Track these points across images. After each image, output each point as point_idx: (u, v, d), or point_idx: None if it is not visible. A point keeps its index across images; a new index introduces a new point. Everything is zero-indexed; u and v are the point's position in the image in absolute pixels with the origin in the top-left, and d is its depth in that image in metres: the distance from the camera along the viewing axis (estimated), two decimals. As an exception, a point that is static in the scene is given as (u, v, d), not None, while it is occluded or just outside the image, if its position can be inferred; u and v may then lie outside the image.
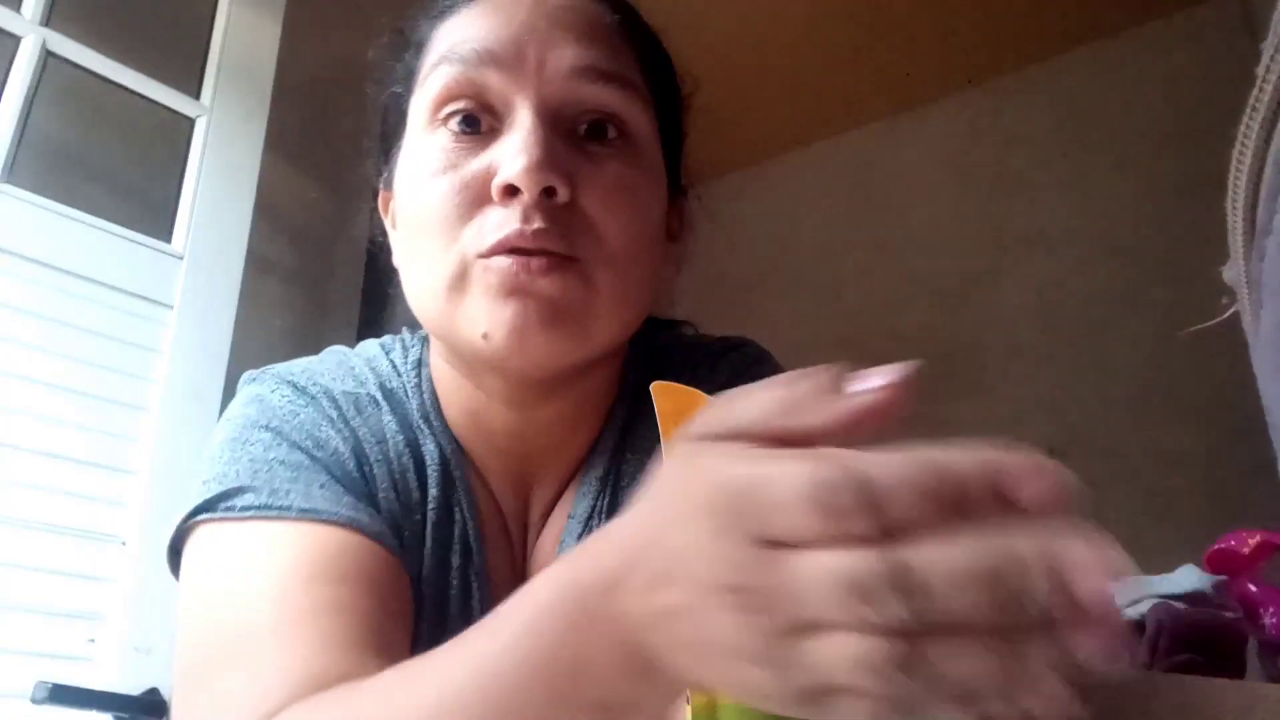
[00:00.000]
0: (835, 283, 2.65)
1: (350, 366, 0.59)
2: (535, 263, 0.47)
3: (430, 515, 0.55)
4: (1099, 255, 2.23)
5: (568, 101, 0.51)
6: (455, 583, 0.55)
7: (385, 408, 0.57)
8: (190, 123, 1.56)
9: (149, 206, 1.50)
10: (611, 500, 0.57)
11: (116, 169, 1.50)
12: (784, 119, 2.71)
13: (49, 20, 1.42)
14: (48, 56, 1.41)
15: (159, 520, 1.31)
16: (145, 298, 1.41)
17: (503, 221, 0.48)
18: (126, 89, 1.50)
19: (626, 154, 0.52)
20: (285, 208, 1.72)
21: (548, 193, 0.48)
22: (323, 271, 1.80)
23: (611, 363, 0.58)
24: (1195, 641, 0.88)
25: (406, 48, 0.59)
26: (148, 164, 1.54)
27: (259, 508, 0.48)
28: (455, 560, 0.55)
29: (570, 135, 0.51)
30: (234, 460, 0.51)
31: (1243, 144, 0.19)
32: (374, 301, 1.93)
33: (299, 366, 0.58)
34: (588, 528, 0.56)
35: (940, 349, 2.41)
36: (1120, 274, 2.19)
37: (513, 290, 0.47)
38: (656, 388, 0.36)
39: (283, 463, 0.50)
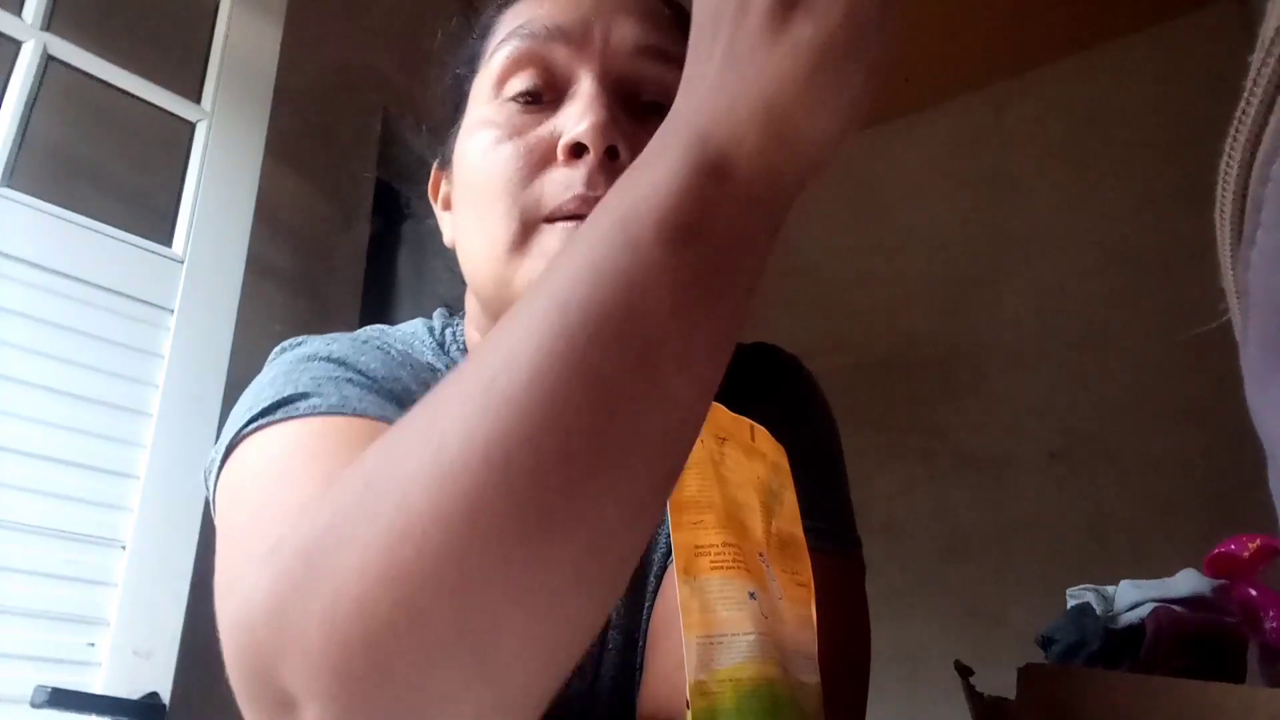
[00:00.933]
0: (835, 286, 2.66)
1: (388, 341, 0.58)
2: None
3: None
4: (1098, 259, 2.24)
5: (630, 77, 0.52)
6: None
7: (442, 371, 0.56)
8: (191, 127, 1.56)
9: (149, 211, 1.50)
10: None
11: (117, 173, 1.50)
12: (783, 123, 2.71)
13: (50, 25, 1.43)
14: (48, 61, 1.41)
15: (159, 524, 1.32)
16: (146, 302, 1.41)
17: (567, 183, 0.49)
18: (127, 93, 1.50)
19: None
20: (286, 212, 1.72)
21: (611, 154, 0.49)
22: (323, 275, 1.80)
23: None
24: (1196, 645, 0.88)
25: (471, 32, 0.61)
26: (148, 168, 1.54)
27: (327, 410, 0.45)
28: None
29: (629, 108, 0.52)
30: (289, 382, 0.47)
31: (1229, 157, 0.19)
32: (374, 305, 1.93)
33: (338, 336, 0.57)
34: None
35: (940, 352, 2.42)
36: (1119, 278, 2.19)
37: None
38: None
39: (350, 380, 0.48)
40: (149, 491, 1.34)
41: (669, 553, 0.54)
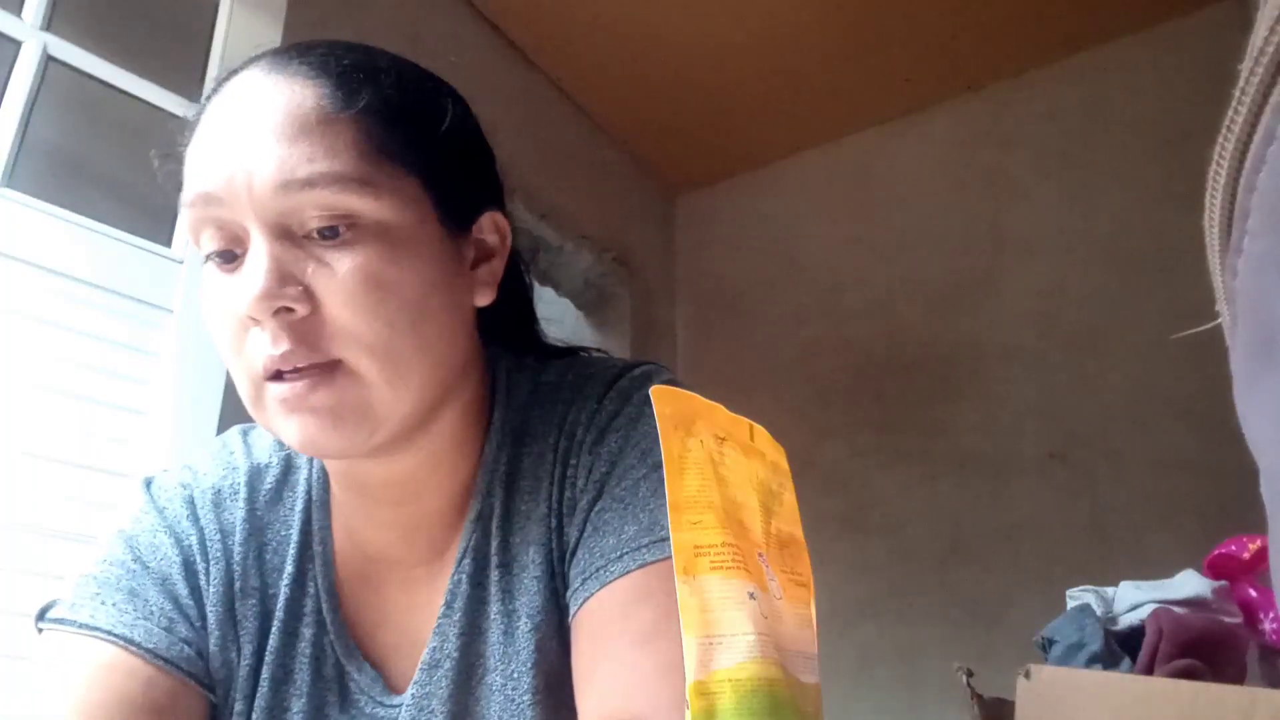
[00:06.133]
0: (835, 286, 2.66)
1: (230, 452, 0.65)
2: (300, 385, 0.50)
3: (284, 591, 0.60)
4: (1097, 259, 2.24)
5: (285, 214, 0.51)
6: (306, 651, 0.59)
7: (243, 496, 0.62)
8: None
9: (149, 211, 1.50)
10: (502, 540, 0.59)
11: (117, 173, 1.50)
12: (784, 124, 2.72)
13: (50, 25, 1.43)
14: (49, 61, 1.41)
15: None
16: (145, 302, 1.41)
17: (260, 345, 0.51)
18: (128, 93, 1.50)
19: (362, 241, 0.51)
20: (285, 212, 1.72)
21: (289, 310, 0.50)
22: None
23: (455, 403, 0.59)
24: (1196, 646, 0.88)
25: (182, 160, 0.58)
26: (148, 168, 1.54)
27: (56, 620, 0.56)
28: (307, 631, 0.60)
29: (306, 241, 0.51)
30: (76, 572, 0.59)
31: (1217, 166, 0.19)
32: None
33: (182, 466, 0.64)
34: (459, 567, 0.59)
35: (939, 353, 2.42)
36: (1118, 278, 2.19)
37: (292, 408, 0.51)
38: (656, 392, 0.36)
39: (95, 578, 0.57)
40: (149, 491, 1.34)
41: (541, 607, 0.57)
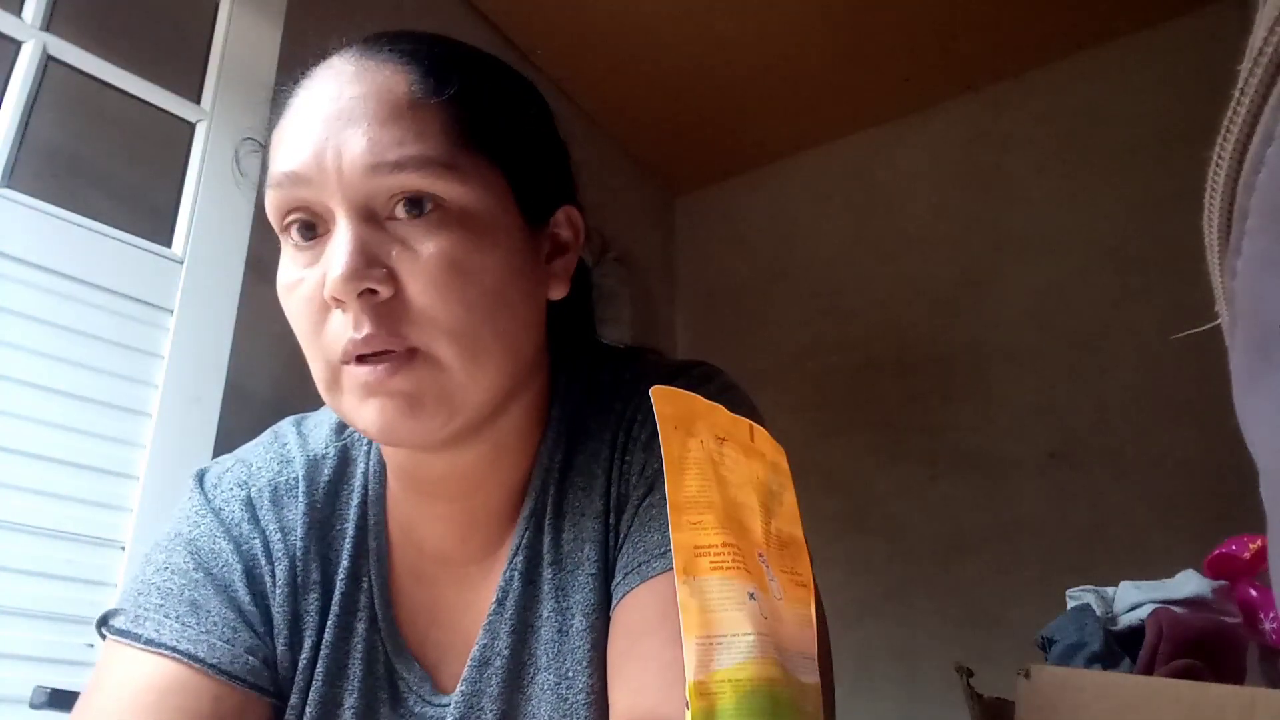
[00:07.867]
0: (835, 287, 2.66)
1: (285, 444, 0.64)
2: (381, 369, 0.50)
3: (340, 585, 0.60)
4: (1098, 259, 2.24)
5: (373, 195, 0.51)
6: (360, 647, 0.60)
7: (302, 490, 0.62)
8: (190, 127, 1.56)
9: (149, 211, 1.50)
10: (554, 538, 0.59)
11: (117, 173, 1.50)
12: (784, 124, 2.72)
13: (50, 25, 1.43)
14: (48, 61, 1.41)
15: (158, 525, 1.31)
16: (145, 302, 1.41)
17: (342, 328, 0.51)
18: (127, 94, 1.50)
19: (447, 226, 0.52)
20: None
21: (373, 293, 0.50)
22: (323, 276, 1.80)
23: (522, 397, 0.59)
24: (1196, 646, 0.88)
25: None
26: (148, 168, 1.54)
27: (120, 631, 0.57)
28: (360, 626, 0.60)
29: (390, 222, 0.52)
30: (136, 576, 0.60)
31: (1216, 165, 0.19)
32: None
33: (235, 459, 0.64)
34: (511, 564, 0.59)
35: (939, 353, 2.42)
36: (1118, 278, 2.19)
37: (371, 392, 0.51)
38: (656, 392, 0.37)
39: (158, 587, 0.58)
40: (148, 491, 1.34)
41: (596, 605, 0.57)
